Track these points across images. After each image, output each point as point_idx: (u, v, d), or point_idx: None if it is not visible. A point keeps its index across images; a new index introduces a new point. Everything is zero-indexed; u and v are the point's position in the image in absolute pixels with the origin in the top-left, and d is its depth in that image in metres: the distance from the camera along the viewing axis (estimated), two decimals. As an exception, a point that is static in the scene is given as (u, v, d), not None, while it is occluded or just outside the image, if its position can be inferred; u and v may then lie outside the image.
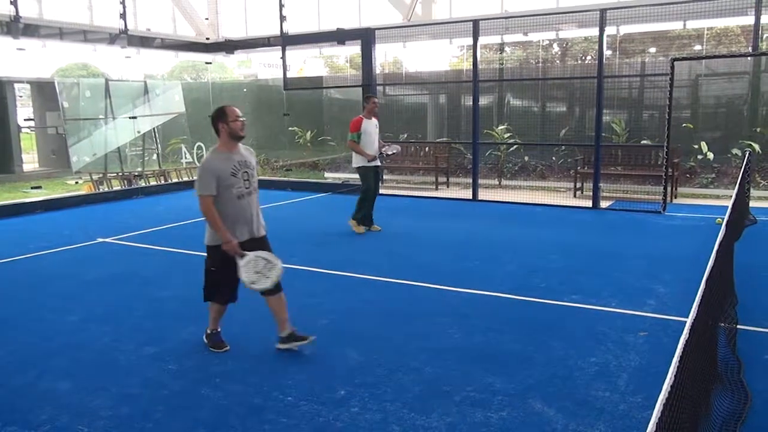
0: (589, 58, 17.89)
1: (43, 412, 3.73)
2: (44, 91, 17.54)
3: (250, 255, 4.44)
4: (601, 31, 10.01)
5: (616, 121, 13.03)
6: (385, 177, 14.37)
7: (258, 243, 4.61)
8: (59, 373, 4.29)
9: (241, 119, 4.54)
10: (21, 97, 20.05)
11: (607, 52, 11.44)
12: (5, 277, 6.88)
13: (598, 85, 10.21)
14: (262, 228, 4.73)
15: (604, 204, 10.61)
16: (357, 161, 8.57)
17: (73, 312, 5.61)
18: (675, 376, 1.84)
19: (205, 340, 4.79)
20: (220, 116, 4.52)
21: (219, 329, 4.80)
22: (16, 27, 11.52)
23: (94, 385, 4.08)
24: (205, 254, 4.66)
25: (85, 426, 3.56)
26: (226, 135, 4.55)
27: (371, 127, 8.50)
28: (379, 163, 8.77)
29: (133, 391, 3.99)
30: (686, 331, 2.29)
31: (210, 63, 17.39)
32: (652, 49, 15.39)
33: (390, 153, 8.99)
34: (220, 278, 4.62)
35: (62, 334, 5.08)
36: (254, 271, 4.44)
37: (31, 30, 12.17)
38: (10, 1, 11.13)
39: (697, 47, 15.08)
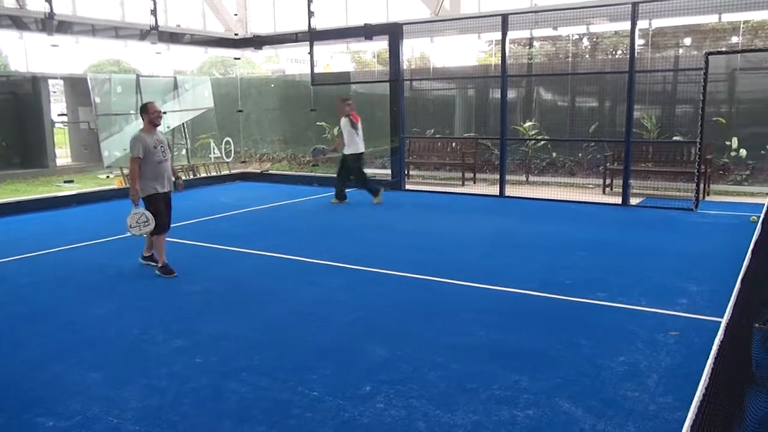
0: (619, 52, 17.58)
1: (74, 402, 3.80)
2: (77, 87, 17.86)
3: (140, 209, 6.26)
4: (633, 24, 9.84)
5: (647, 117, 12.78)
6: (411, 172, 14.36)
7: (168, 194, 6.60)
8: (90, 365, 4.36)
9: (157, 112, 6.45)
10: (54, 92, 20.41)
11: (639, 42, 11.18)
12: (38, 269, 7.02)
13: (630, 79, 10.04)
14: (171, 185, 6.68)
15: (633, 201, 10.44)
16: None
17: (102, 305, 5.70)
18: (710, 377, 1.78)
19: (159, 272, 6.49)
20: (145, 110, 6.45)
21: (167, 260, 6.56)
22: (50, 24, 11.72)
23: (124, 377, 4.14)
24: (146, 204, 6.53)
25: (115, 417, 3.62)
26: (148, 122, 6.42)
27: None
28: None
29: (161, 384, 4.04)
30: (721, 331, 2.22)
31: (238, 59, 17.45)
32: (687, 40, 15.04)
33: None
34: (159, 218, 6.43)
35: (90, 327, 5.16)
36: (136, 220, 6.23)
37: (64, 27, 12.35)
38: (45, -1, 11.33)
39: (734, 39, 14.68)
